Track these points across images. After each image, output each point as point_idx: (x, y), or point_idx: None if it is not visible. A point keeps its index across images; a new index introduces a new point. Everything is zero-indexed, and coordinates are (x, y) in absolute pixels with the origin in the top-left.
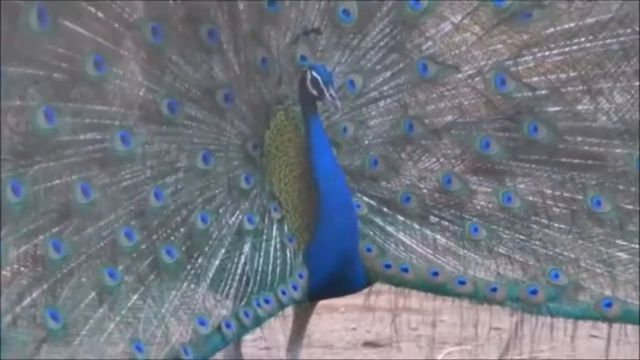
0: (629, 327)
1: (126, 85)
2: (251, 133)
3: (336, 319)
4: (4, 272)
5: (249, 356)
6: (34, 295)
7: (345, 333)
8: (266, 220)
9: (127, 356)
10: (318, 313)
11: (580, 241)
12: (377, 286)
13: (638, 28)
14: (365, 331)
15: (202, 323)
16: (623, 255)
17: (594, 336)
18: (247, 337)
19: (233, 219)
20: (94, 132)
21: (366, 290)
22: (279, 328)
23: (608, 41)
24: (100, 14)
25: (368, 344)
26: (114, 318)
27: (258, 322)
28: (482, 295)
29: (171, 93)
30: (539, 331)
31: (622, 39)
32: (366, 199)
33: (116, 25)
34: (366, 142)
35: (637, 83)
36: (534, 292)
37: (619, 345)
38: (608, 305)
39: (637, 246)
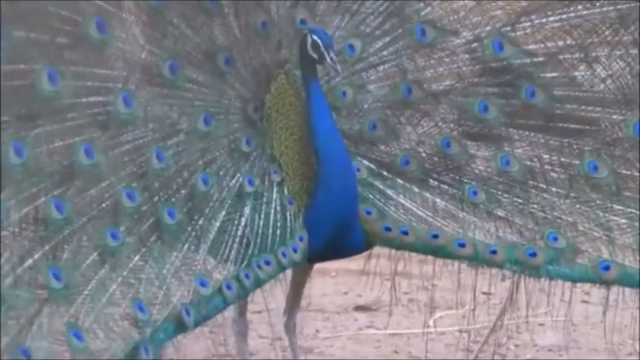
0: (627, 292)
1: (128, 48)
2: (252, 96)
3: (327, 283)
4: (4, 233)
5: None
6: (35, 256)
7: (336, 297)
8: (266, 183)
9: (129, 316)
10: (310, 277)
11: (578, 206)
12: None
13: None
14: (356, 295)
15: (203, 284)
16: (620, 219)
17: (586, 301)
18: None
19: (234, 181)
20: (96, 95)
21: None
22: (269, 292)
23: (605, 9)
24: None
25: (359, 308)
26: (115, 278)
27: (258, 283)
28: (481, 258)
29: (173, 56)
30: (533, 295)
31: (619, 6)
32: (365, 162)
33: None
34: (366, 106)
35: (634, 51)
36: (533, 254)
37: (616, 310)
38: (606, 268)
39: (634, 211)
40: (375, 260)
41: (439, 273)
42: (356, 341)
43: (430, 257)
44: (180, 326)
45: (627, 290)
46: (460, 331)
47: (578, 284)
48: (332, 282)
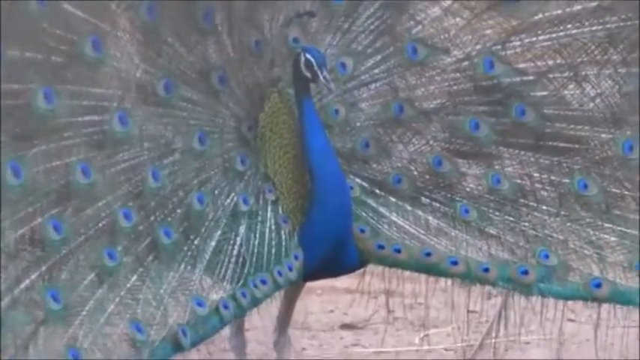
0: (616, 311)
1: (123, 67)
2: (245, 115)
3: (313, 301)
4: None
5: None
6: (32, 277)
7: (322, 315)
8: (261, 202)
9: (127, 337)
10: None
11: (568, 224)
12: None
13: (623, 16)
14: (342, 313)
15: (200, 304)
16: (610, 237)
17: (572, 320)
18: None
19: (228, 200)
20: (92, 114)
21: None
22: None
23: (594, 28)
24: None
25: (345, 326)
26: (113, 299)
27: (255, 302)
28: (474, 276)
29: (167, 74)
30: (520, 314)
31: (608, 26)
32: (358, 180)
33: (113, 7)
34: (358, 124)
35: (623, 70)
36: (525, 272)
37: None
38: (598, 286)
39: (624, 229)
40: (362, 278)
41: (426, 291)
42: None
43: (416, 275)
44: (177, 346)
45: (616, 308)
46: (446, 349)
47: (566, 302)
48: (318, 300)
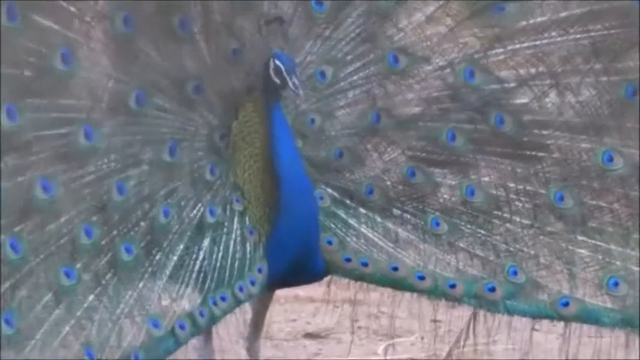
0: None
1: (93, 78)
2: (219, 123)
3: (276, 311)
4: None
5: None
6: None
7: (285, 324)
8: (228, 212)
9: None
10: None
11: (541, 237)
12: None
13: (607, 24)
14: (305, 322)
15: (155, 325)
16: (583, 252)
17: (535, 329)
18: None
19: (194, 212)
20: (59, 127)
21: None
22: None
23: (578, 36)
24: (71, 8)
25: (308, 335)
26: (69, 320)
27: (213, 320)
28: (440, 291)
29: (141, 83)
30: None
31: (592, 34)
32: (329, 190)
33: (87, 18)
34: (333, 133)
35: (604, 79)
36: (492, 289)
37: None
38: (566, 305)
39: (597, 242)
40: (325, 287)
41: (390, 301)
42: None
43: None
44: None
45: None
46: (410, 359)
47: None
48: (281, 309)
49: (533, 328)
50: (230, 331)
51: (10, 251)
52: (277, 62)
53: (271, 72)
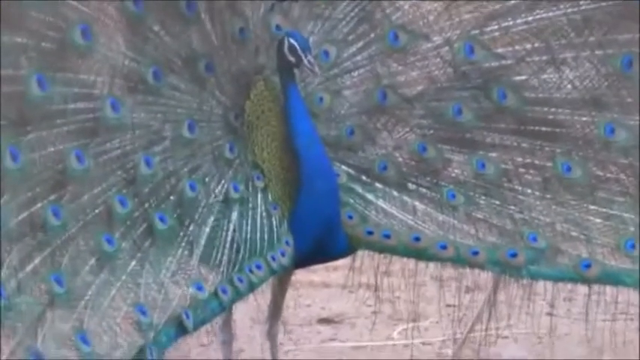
0: (593, 305)
1: (112, 55)
2: (232, 103)
3: (290, 296)
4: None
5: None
6: (36, 261)
7: (299, 310)
8: (250, 189)
9: (132, 320)
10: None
11: (554, 207)
12: (332, 262)
13: None
14: (319, 307)
15: (199, 288)
16: (595, 219)
17: (550, 314)
18: None
19: (219, 187)
20: (84, 101)
21: (320, 266)
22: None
23: (569, 10)
24: None
25: (322, 321)
26: (115, 283)
27: (251, 287)
28: (463, 259)
29: (154, 62)
30: (499, 310)
31: (583, 8)
32: (344, 167)
33: None
34: (342, 112)
35: (600, 52)
36: (514, 255)
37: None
38: (588, 266)
39: (608, 211)
40: (341, 272)
41: (404, 285)
42: (319, 354)
43: (394, 269)
44: (180, 329)
45: (594, 303)
46: (424, 343)
47: (543, 295)
48: (295, 294)
49: (548, 313)
50: (244, 316)
51: (52, 217)
52: (292, 40)
53: (286, 50)
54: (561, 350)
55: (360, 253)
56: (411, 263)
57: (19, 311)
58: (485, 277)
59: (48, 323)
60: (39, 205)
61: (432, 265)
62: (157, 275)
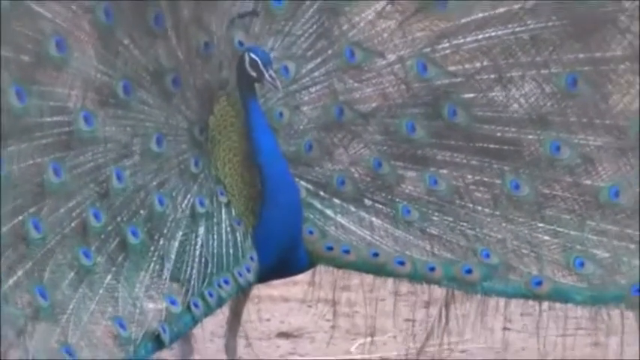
0: (551, 318)
1: (85, 69)
2: (197, 118)
3: (250, 310)
4: None
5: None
6: (19, 273)
7: (259, 323)
8: (215, 204)
9: (111, 334)
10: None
11: (504, 224)
12: (291, 277)
13: (544, 18)
14: (279, 321)
15: (173, 302)
16: (543, 237)
17: (507, 329)
18: None
19: (185, 202)
20: (58, 115)
21: (280, 281)
22: None
23: (517, 29)
24: None
25: (281, 335)
26: (93, 297)
27: (220, 302)
28: (421, 275)
29: (124, 77)
30: (457, 322)
31: (531, 27)
32: (303, 183)
33: (74, 8)
34: (301, 127)
35: (545, 71)
36: (469, 271)
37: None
38: (539, 284)
39: (556, 228)
40: (300, 287)
41: (362, 300)
42: None
43: (353, 283)
44: (157, 343)
45: (552, 316)
46: (381, 358)
47: (499, 310)
48: (254, 308)
49: (505, 328)
50: (204, 330)
51: (33, 230)
52: (253, 55)
53: (247, 66)
54: None
55: (319, 268)
56: (369, 278)
57: (7, 323)
58: (443, 292)
59: (35, 337)
60: (20, 217)
61: (390, 279)
62: (132, 290)
